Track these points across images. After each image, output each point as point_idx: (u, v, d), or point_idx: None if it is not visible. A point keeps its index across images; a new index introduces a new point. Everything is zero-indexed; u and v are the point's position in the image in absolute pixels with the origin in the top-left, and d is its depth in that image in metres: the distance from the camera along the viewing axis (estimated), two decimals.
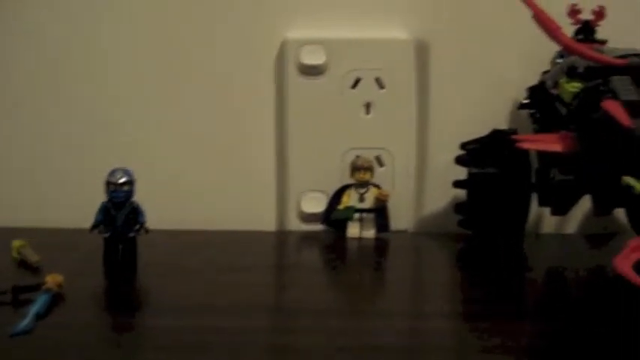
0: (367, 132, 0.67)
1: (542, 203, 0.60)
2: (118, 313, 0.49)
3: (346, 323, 0.47)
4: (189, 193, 0.69)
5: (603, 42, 0.62)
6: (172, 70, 0.68)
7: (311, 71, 0.66)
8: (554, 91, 0.58)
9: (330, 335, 0.45)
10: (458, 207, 0.65)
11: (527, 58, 0.66)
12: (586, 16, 0.62)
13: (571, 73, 0.56)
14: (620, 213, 0.61)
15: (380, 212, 0.65)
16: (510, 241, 0.62)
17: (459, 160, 0.63)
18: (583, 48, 0.55)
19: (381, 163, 0.67)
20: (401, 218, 0.67)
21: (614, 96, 0.51)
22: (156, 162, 0.68)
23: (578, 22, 0.62)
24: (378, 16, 0.68)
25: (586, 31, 0.62)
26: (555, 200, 0.58)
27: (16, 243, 0.57)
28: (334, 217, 0.66)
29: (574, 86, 0.55)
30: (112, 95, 0.68)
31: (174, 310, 0.48)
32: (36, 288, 0.49)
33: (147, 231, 0.55)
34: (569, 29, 0.61)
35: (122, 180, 0.54)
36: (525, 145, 0.57)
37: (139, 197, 0.55)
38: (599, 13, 0.62)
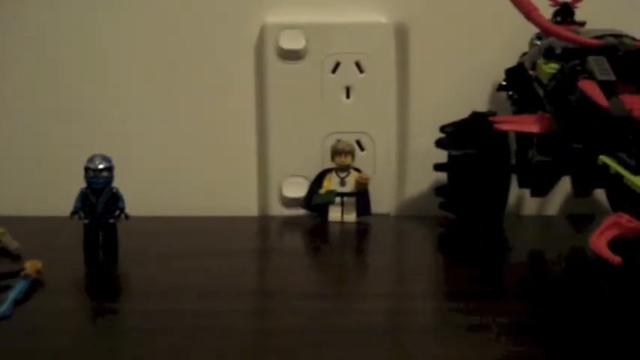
0: (347, 116, 0.67)
1: (521, 184, 0.60)
2: (97, 299, 0.49)
3: (330, 305, 0.47)
4: (170, 179, 0.69)
5: (582, 24, 0.62)
6: (150, 56, 0.68)
7: (291, 56, 0.66)
8: (532, 73, 0.58)
9: (314, 317, 0.45)
10: (439, 190, 0.65)
11: (506, 42, 0.66)
12: None
13: (548, 54, 0.56)
14: (602, 194, 0.62)
15: (361, 196, 0.65)
16: (491, 222, 0.63)
17: (439, 143, 0.64)
18: (559, 29, 0.55)
19: (361, 147, 0.67)
20: (382, 202, 0.68)
21: (591, 76, 0.51)
22: (134, 148, 0.68)
23: (556, 3, 0.62)
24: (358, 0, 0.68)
25: (565, 12, 0.62)
26: (534, 181, 0.58)
27: None
28: (316, 202, 0.66)
29: (551, 67, 0.55)
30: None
31: (155, 295, 0.48)
32: (15, 274, 0.49)
33: (127, 217, 0.55)
34: (548, 11, 0.61)
35: (101, 166, 0.54)
36: (503, 127, 0.57)
37: (120, 184, 0.55)
38: None
